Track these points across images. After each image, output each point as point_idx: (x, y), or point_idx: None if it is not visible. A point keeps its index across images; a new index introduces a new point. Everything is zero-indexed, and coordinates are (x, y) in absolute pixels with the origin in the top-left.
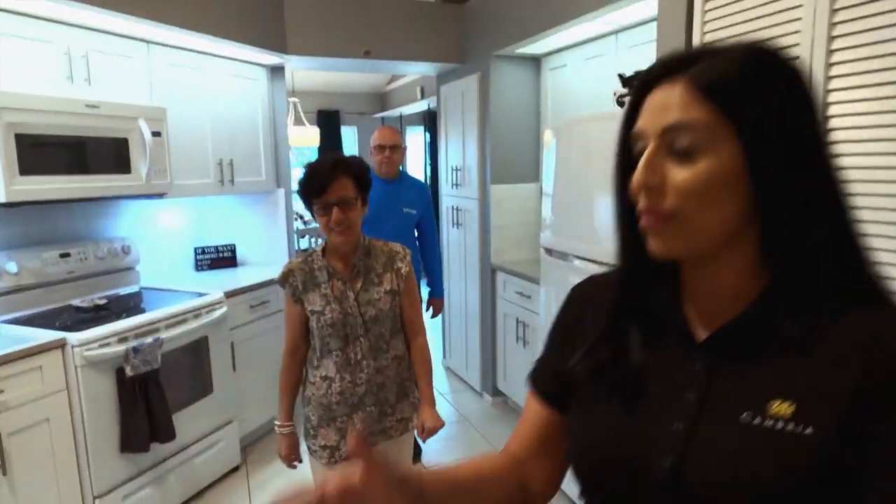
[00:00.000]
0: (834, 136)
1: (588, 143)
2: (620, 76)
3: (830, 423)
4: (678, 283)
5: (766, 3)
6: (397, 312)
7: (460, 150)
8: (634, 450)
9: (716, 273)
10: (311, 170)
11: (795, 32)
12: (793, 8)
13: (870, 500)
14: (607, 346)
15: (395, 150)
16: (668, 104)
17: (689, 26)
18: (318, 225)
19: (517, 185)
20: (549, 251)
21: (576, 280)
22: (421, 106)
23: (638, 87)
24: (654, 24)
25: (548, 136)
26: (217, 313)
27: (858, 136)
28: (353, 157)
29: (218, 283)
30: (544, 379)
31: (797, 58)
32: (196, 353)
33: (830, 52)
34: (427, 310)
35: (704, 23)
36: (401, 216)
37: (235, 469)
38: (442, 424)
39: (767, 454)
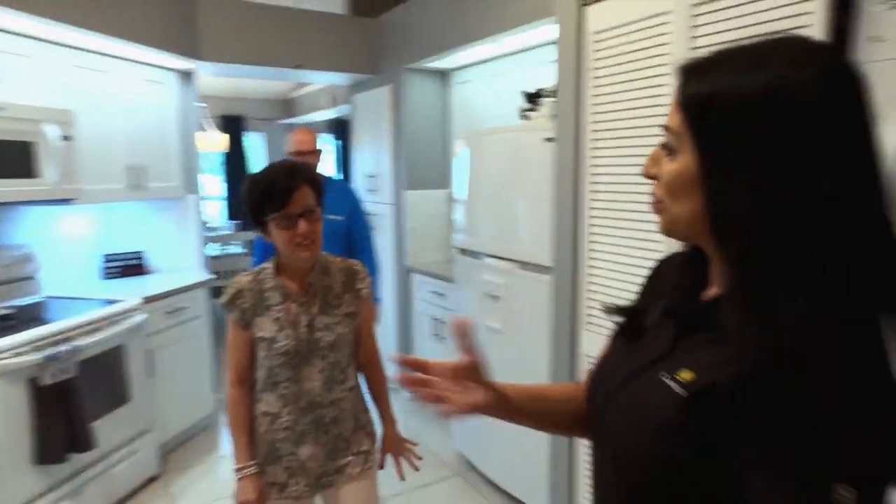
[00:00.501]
0: None
1: (496, 152)
2: (524, 93)
3: (702, 392)
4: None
5: (644, 39)
6: (353, 338)
7: (375, 158)
8: (603, 381)
9: (714, 260)
10: (267, 179)
11: (666, 65)
12: (663, 45)
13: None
14: (640, 303)
15: (314, 154)
16: (672, 110)
17: (578, 51)
18: (226, 232)
19: (429, 190)
20: (462, 251)
21: (489, 277)
22: (329, 114)
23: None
24: (551, 47)
25: (458, 146)
26: (134, 320)
27: None
28: (300, 163)
29: (129, 290)
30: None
31: (846, 58)
32: (113, 361)
33: None
34: None
35: (595, 52)
36: (326, 224)
37: (154, 478)
38: (411, 448)
39: (657, 407)
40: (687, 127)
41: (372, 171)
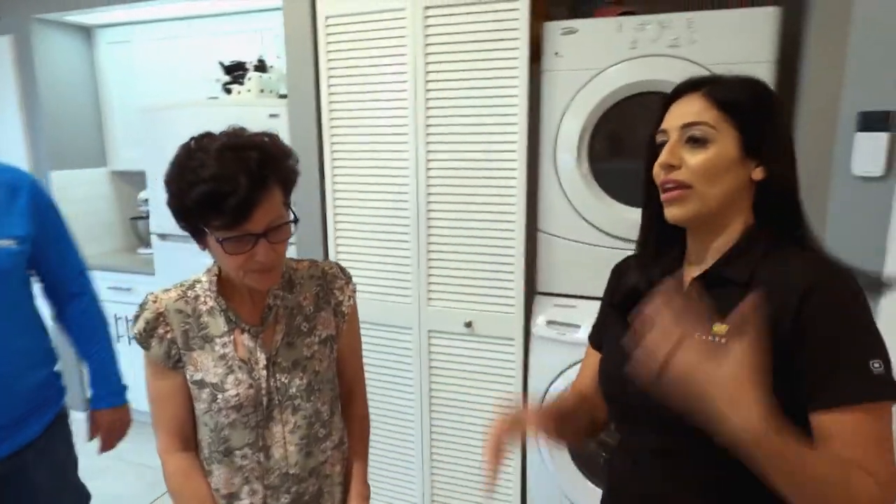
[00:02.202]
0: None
1: (205, 127)
2: (222, 64)
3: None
4: (683, 247)
5: (378, 31)
6: (335, 369)
7: None
8: (614, 372)
9: (706, 241)
10: (215, 178)
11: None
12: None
13: (813, 390)
14: (626, 291)
15: None
16: (687, 110)
17: (315, 36)
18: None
19: (82, 170)
20: (164, 236)
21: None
22: None
23: (663, 101)
24: (235, 16)
25: (150, 118)
26: None
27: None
28: (270, 144)
29: None
30: (595, 334)
31: (771, 89)
32: None
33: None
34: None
35: (328, 36)
36: None
37: None
38: None
39: None
40: (726, 119)
41: None
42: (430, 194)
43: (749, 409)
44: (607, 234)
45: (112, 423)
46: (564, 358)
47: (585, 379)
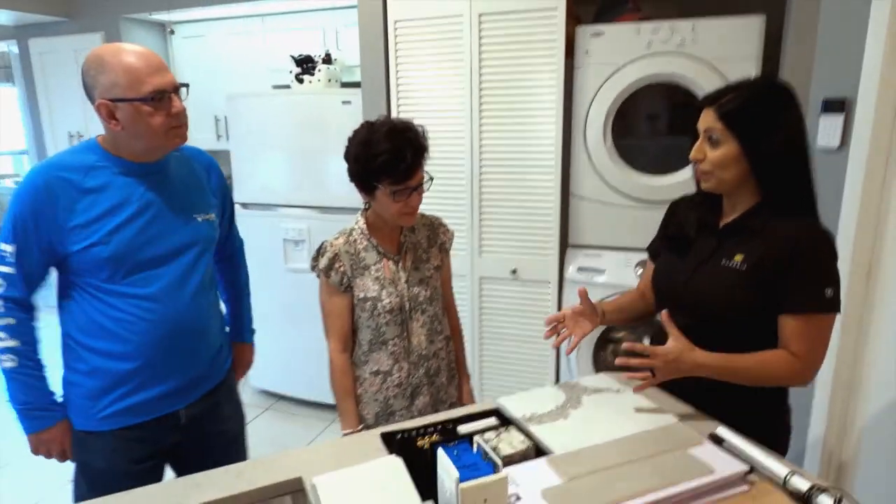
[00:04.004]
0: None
1: (286, 112)
2: (293, 57)
3: (754, 263)
4: (721, 204)
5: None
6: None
7: (82, 114)
8: (674, 275)
9: (736, 200)
10: (392, 150)
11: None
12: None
13: (784, 300)
14: (679, 229)
15: None
16: (706, 119)
17: (385, 35)
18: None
19: None
20: (245, 205)
21: (290, 224)
22: None
23: (696, 109)
24: (300, 15)
25: (233, 105)
26: None
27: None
28: (413, 129)
29: None
30: (651, 248)
31: (789, 85)
32: None
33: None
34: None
35: (398, 38)
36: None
37: None
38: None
39: (728, 278)
40: (727, 129)
41: (78, 130)
42: (483, 167)
43: (693, 369)
44: (626, 195)
45: (251, 356)
46: (592, 297)
47: (644, 281)
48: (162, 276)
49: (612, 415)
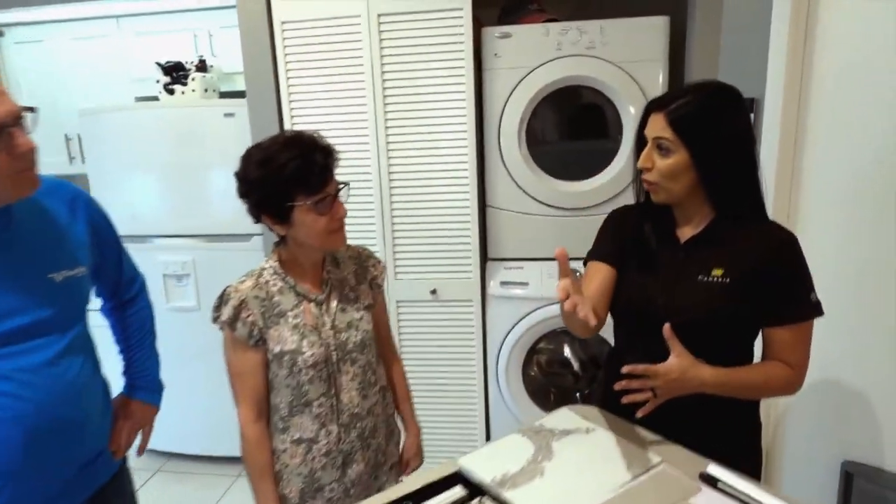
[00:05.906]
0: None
1: (152, 127)
2: (159, 64)
3: (738, 277)
4: (672, 215)
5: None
6: (374, 333)
7: None
8: (650, 296)
9: (689, 211)
10: (297, 156)
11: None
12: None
13: (777, 312)
14: (638, 243)
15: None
16: (656, 126)
17: (272, 38)
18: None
19: None
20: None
21: (168, 258)
22: None
23: (644, 112)
24: (164, 16)
25: (85, 121)
26: None
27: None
28: (313, 133)
29: None
30: (602, 252)
31: (737, 90)
32: None
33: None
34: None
35: (285, 40)
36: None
37: None
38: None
39: (711, 294)
40: (677, 136)
41: None
42: (391, 181)
43: (697, 386)
44: (544, 204)
45: (144, 419)
46: (516, 312)
47: (588, 288)
48: (10, 362)
49: (591, 463)
